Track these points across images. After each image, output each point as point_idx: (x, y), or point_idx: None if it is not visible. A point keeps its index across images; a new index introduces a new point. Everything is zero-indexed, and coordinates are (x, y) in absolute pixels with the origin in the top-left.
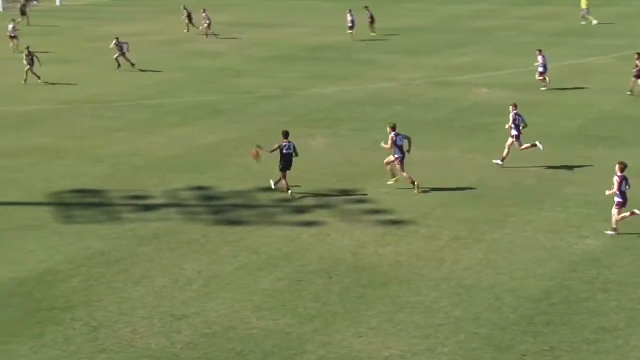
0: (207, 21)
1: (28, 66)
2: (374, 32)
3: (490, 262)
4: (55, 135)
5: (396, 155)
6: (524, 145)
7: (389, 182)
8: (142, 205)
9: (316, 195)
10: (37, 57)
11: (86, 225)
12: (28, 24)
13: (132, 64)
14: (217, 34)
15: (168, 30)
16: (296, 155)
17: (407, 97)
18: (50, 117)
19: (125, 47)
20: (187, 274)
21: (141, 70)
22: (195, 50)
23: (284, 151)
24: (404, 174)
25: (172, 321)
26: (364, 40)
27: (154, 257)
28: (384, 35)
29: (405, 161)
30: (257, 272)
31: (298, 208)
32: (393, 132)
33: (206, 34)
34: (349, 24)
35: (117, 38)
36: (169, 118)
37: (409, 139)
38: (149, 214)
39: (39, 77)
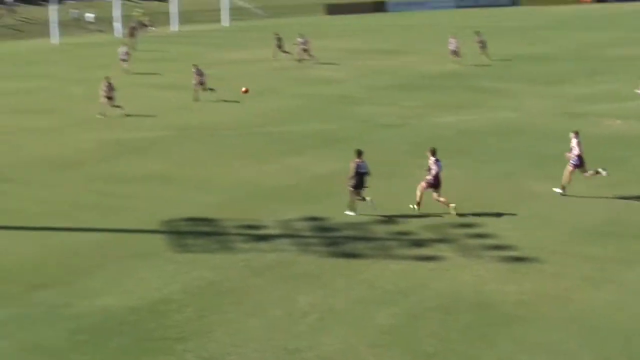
0: (304, 47)
1: (197, 83)
2: (488, 58)
3: (621, 304)
4: (169, 162)
5: (428, 177)
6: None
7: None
8: (256, 235)
9: (434, 228)
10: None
11: (199, 254)
12: (135, 49)
13: (211, 89)
14: (314, 57)
15: (284, 57)
16: (369, 174)
17: (531, 127)
18: (165, 144)
19: (203, 77)
20: (300, 307)
21: (248, 96)
22: (311, 77)
23: (359, 170)
24: (420, 193)
25: (285, 355)
26: (481, 66)
27: (267, 288)
28: (505, 62)
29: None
30: (373, 306)
31: (416, 241)
32: (433, 158)
33: (300, 60)
34: (453, 49)
35: (196, 66)
36: (283, 146)
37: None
38: (262, 245)
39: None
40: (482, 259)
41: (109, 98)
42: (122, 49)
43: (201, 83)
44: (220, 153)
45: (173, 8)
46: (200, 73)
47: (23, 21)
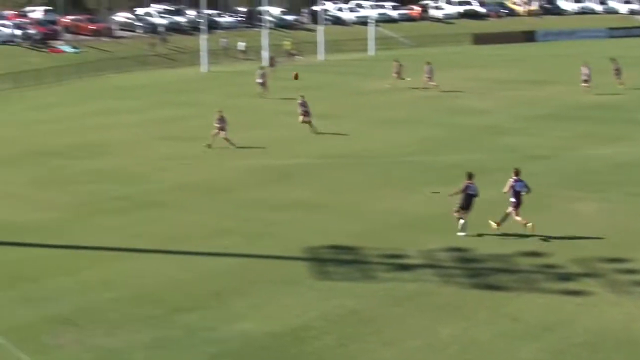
0: (428, 75)
1: (303, 117)
2: (621, 85)
3: None
4: (315, 189)
5: (512, 200)
6: None
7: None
8: (398, 264)
9: (581, 262)
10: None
11: (340, 282)
12: (273, 77)
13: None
14: (437, 85)
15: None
16: (478, 196)
17: None
18: (311, 171)
19: (307, 108)
20: (442, 338)
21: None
22: (458, 106)
23: (468, 192)
24: (518, 217)
25: None
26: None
27: (408, 318)
28: None
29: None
30: (517, 341)
31: (562, 275)
32: (514, 178)
33: (426, 87)
34: (584, 78)
35: (302, 96)
36: (430, 176)
37: (529, 189)
38: (404, 274)
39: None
40: (633, 295)
41: (221, 130)
42: (258, 72)
43: (305, 114)
44: (365, 181)
45: (320, 37)
46: (304, 104)
47: (175, 50)
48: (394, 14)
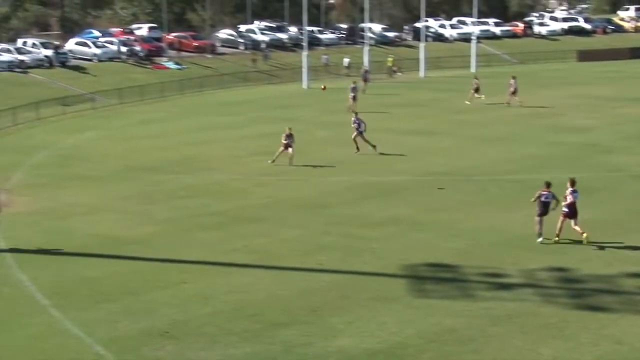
0: (512, 89)
1: (356, 133)
2: None
3: None
4: (414, 207)
5: (565, 210)
6: None
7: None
8: (497, 283)
9: None
10: (363, 123)
11: (438, 300)
12: (363, 92)
13: (374, 146)
14: (521, 101)
15: (540, 103)
16: (557, 201)
17: None
18: (410, 188)
19: (362, 126)
20: None
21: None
22: (561, 124)
23: (542, 199)
24: (577, 227)
25: None
26: None
27: (507, 338)
28: None
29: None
30: None
31: None
32: (571, 189)
33: (508, 103)
34: None
35: (356, 113)
36: (531, 194)
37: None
38: (504, 293)
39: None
40: None
41: (287, 146)
42: (351, 86)
43: (359, 132)
44: (465, 199)
45: (421, 54)
46: (358, 121)
47: (276, 67)
48: (497, 30)
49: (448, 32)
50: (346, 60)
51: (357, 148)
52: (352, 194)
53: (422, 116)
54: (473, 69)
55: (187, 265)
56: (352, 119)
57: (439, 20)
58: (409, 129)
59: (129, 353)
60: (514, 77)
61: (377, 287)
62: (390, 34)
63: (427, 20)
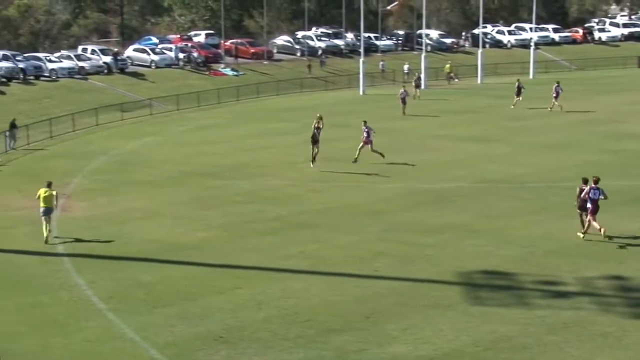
0: (555, 94)
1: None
2: None
3: None
4: (470, 214)
5: (589, 207)
6: None
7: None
8: (554, 291)
9: None
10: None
11: (493, 308)
12: (416, 98)
13: (382, 155)
14: (560, 106)
15: (599, 110)
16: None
17: None
18: (466, 195)
19: (372, 134)
20: None
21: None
22: (621, 131)
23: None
24: (595, 223)
25: None
26: None
27: (564, 347)
28: None
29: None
30: None
31: None
32: (592, 186)
33: (550, 108)
34: None
35: (364, 122)
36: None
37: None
38: (560, 302)
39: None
40: None
41: (315, 142)
42: (401, 91)
43: (367, 142)
44: (522, 206)
45: (479, 61)
46: (367, 129)
47: (332, 73)
48: (556, 36)
49: (506, 39)
50: (406, 67)
51: (356, 159)
52: (407, 201)
53: (478, 123)
54: (531, 76)
55: (242, 270)
56: (362, 127)
57: (497, 26)
58: (465, 136)
59: (184, 358)
60: (557, 82)
61: (432, 294)
62: (448, 41)
63: (485, 27)
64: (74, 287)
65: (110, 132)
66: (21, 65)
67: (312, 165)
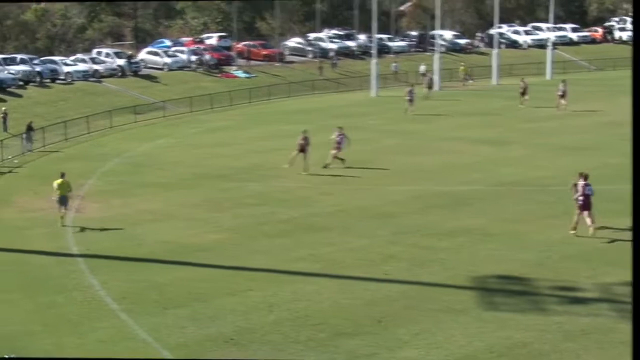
0: (560, 93)
1: (335, 148)
2: None
3: None
4: (485, 217)
5: (580, 203)
6: None
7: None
8: (571, 297)
9: None
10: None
11: (508, 313)
12: (426, 98)
13: (342, 160)
14: (566, 105)
15: (619, 111)
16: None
17: None
18: (482, 198)
19: (344, 142)
20: None
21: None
22: None
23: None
24: (588, 219)
25: None
26: None
27: (582, 354)
28: None
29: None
30: None
31: None
32: (584, 182)
33: (557, 107)
34: None
35: (340, 128)
36: (610, 205)
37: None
38: (577, 308)
39: None
40: None
41: (301, 150)
42: (407, 89)
43: (338, 149)
44: (539, 209)
45: (494, 61)
46: (341, 136)
47: (344, 75)
48: (574, 36)
49: (522, 39)
50: (422, 68)
51: (340, 160)
52: (420, 203)
53: (494, 124)
54: (548, 77)
55: (253, 272)
56: (336, 133)
57: (512, 26)
58: (480, 138)
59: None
60: (563, 81)
61: (444, 298)
62: (462, 41)
63: (501, 27)
64: (88, 288)
65: (124, 135)
66: (38, 68)
67: (287, 166)
